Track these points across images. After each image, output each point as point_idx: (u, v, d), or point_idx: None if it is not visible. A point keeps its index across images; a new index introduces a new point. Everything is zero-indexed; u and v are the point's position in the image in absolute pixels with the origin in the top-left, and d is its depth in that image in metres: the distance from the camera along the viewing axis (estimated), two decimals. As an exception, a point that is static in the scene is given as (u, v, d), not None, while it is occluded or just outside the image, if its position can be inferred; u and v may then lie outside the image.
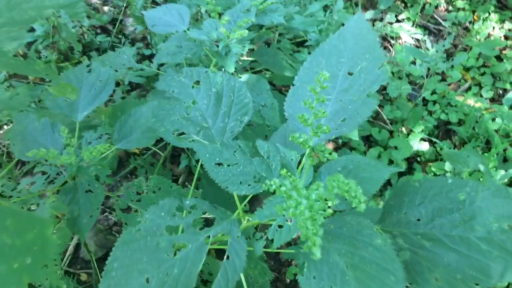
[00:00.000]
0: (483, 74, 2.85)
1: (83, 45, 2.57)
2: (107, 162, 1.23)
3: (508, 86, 2.76)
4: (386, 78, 0.89)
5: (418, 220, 0.86)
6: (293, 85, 1.01)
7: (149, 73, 1.95)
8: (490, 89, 2.76)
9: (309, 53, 1.80)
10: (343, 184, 0.75)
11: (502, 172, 2.26)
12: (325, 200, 0.74)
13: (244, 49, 1.34)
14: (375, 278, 0.74)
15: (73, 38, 2.21)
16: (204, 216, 0.83)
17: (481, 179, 2.30)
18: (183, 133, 1.01)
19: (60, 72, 2.58)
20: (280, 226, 0.81)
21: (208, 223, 0.95)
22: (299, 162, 0.93)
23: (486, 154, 2.40)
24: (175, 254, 0.78)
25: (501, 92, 2.77)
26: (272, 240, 0.80)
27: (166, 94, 1.04)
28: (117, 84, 2.20)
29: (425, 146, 2.39)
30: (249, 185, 0.85)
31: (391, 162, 2.39)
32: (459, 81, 2.80)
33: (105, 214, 1.94)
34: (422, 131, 2.47)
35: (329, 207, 0.74)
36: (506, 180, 2.07)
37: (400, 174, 2.33)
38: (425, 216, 0.86)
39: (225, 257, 0.78)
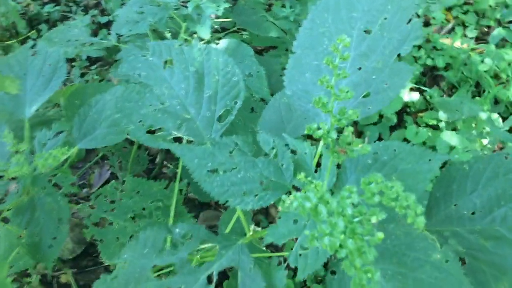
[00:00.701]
0: (466, 12, 2.63)
1: (30, 19, 2.19)
2: (66, 167, 0.97)
3: (492, 23, 2.56)
4: (420, 35, 0.65)
5: (473, 213, 0.66)
6: (292, 52, 0.76)
7: (109, 44, 1.64)
8: (474, 28, 2.55)
9: (291, 7, 1.52)
10: (386, 188, 0.53)
11: (495, 115, 2.11)
12: (365, 214, 0.52)
13: (219, 10, 1.06)
14: (440, 307, 0.55)
15: (13, 13, 1.84)
16: (202, 246, 0.61)
17: (473, 126, 2.14)
18: (160, 129, 0.76)
19: (8, 52, 2.21)
20: (304, 248, 0.59)
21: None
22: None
23: (478, 98, 2.23)
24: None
25: (486, 30, 2.57)
26: (294, 270, 0.59)
27: (131, 79, 0.77)
28: (73, 60, 1.87)
29: (415, 96, 2.19)
30: (255, 195, 0.62)
31: (381, 117, 2.19)
32: (442, 22, 2.59)
33: (80, 204, 1.69)
34: (410, 80, 2.26)
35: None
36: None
37: (392, 129, 2.14)
38: (481, 207, 0.66)
39: (238, 301, 0.57)
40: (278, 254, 0.61)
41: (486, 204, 0.66)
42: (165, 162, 1.78)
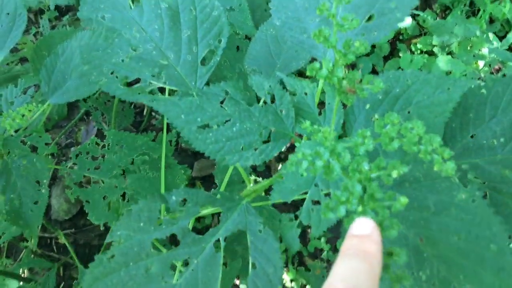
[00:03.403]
0: None
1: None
2: (41, 124, 0.87)
3: None
4: None
5: (493, 142, 0.59)
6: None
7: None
8: None
9: None
10: (405, 130, 0.45)
11: (491, 35, 2.00)
12: (384, 169, 0.44)
13: None
14: (468, 252, 0.49)
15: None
16: (203, 213, 0.53)
17: (469, 48, 2.03)
18: (138, 80, 0.65)
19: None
20: (315, 203, 0.52)
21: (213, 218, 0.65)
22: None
23: (472, 18, 2.11)
24: (176, 279, 0.49)
25: None
26: (307, 226, 0.52)
27: (94, 23, 0.65)
28: (42, 12, 1.67)
29: (408, 21, 2.05)
30: (255, 149, 0.54)
31: (373, 47, 2.07)
32: None
33: (69, 166, 1.60)
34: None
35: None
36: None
37: (386, 59, 2.03)
38: (501, 134, 0.58)
39: (249, 265, 0.50)
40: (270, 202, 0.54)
41: (507, 130, 0.58)
42: (153, 114, 1.67)
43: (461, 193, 0.50)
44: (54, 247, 1.45)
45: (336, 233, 1.43)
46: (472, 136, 0.60)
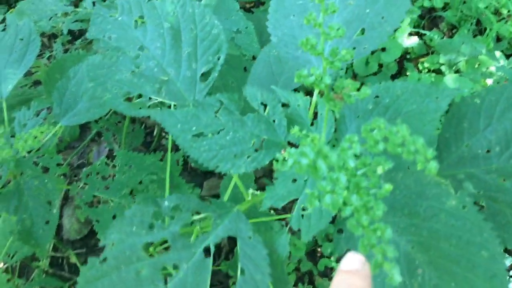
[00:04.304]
0: None
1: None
2: (53, 145, 0.91)
3: (490, -45, 2.40)
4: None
5: (488, 151, 0.59)
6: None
7: (89, 15, 1.53)
8: (471, -38, 2.39)
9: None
10: (390, 133, 0.46)
11: (498, 53, 2.00)
12: (370, 165, 0.46)
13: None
14: (459, 258, 0.49)
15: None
16: (196, 217, 0.55)
17: (476, 66, 2.04)
18: (139, 95, 0.68)
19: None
20: (306, 209, 0.53)
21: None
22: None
23: (479, 37, 2.12)
24: (165, 283, 0.51)
25: (483, -38, 2.41)
26: (297, 231, 0.53)
27: (101, 43, 0.69)
28: (55, 36, 1.77)
29: (415, 40, 2.08)
30: (248, 157, 0.56)
31: (380, 66, 2.09)
32: (437, -41, 2.42)
33: (80, 186, 1.64)
34: (408, 24, 2.14)
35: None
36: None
37: (393, 78, 2.05)
38: (496, 143, 0.59)
39: (238, 271, 0.51)
40: (274, 218, 0.55)
41: (502, 139, 0.58)
42: (163, 134, 1.72)
43: (451, 199, 0.50)
44: (66, 267, 1.47)
45: (346, 252, 1.40)
46: (467, 146, 0.61)
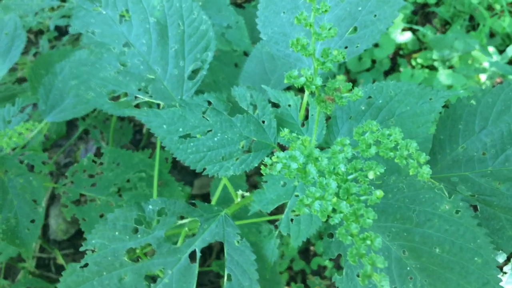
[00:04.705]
0: None
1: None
2: (39, 143, 0.88)
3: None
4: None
5: (483, 154, 0.58)
6: (265, -10, 0.66)
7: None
8: (465, -42, 2.38)
9: None
10: (382, 136, 0.45)
11: (491, 48, 2.00)
12: (361, 170, 0.44)
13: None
14: (452, 264, 0.48)
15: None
16: (181, 221, 0.53)
17: (470, 62, 2.03)
18: (125, 94, 0.66)
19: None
20: (295, 213, 0.52)
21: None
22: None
23: (472, 32, 2.11)
24: (149, 289, 0.49)
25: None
26: (287, 236, 0.51)
27: (85, 38, 0.67)
28: (42, 33, 1.72)
29: (408, 36, 2.07)
30: (236, 159, 0.54)
31: (373, 62, 2.09)
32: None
33: (66, 184, 1.62)
34: (402, 20, 2.12)
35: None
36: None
37: (386, 74, 2.04)
38: (492, 146, 0.58)
39: (224, 277, 0.50)
40: (266, 218, 0.53)
41: (497, 142, 0.57)
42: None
43: (444, 203, 0.49)
44: (53, 268, 1.45)
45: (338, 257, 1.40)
46: (462, 148, 0.59)
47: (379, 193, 0.40)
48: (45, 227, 1.52)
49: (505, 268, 0.86)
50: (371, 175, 0.43)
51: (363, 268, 0.35)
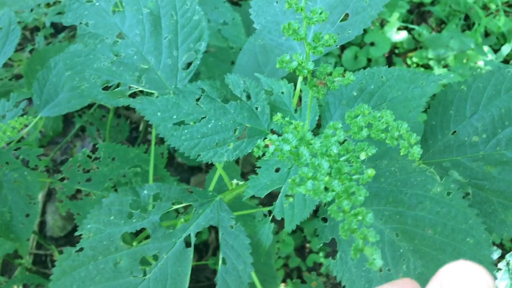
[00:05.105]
0: None
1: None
2: (34, 138, 0.89)
3: (478, -50, 2.41)
4: None
5: (475, 139, 0.59)
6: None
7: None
8: (460, -43, 2.39)
9: None
10: (374, 119, 0.46)
11: (486, 48, 2.01)
12: (353, 151, 0.45)
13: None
14: (444, 246, 0.48)
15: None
16: (176, 206, 0.53)
17: (465, 61, 2.05)
18: (118, 84, 0.66)
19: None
20: (289, 196, 0.52)
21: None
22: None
23: (468, 31, 2.13)
24: (145, 274, 0.49)
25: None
26: (281, 220, 0.52)
27: (78, 30, 0.67)
28: (38, 30, 1.73)
29: (403, 35, 2.08)
30: (230, 145, 0.54)
31: (369, 61, 2.10)
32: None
33: (63, 179, 1.61)
34: (397, 19, 2.14)
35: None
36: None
37: (382, 71, 2.05)
38: (483, 131, 0.58)
39: (219, 261, 0.50)
40: (261, 209, 0.54)
41: (488, 126, 0.58)
42: (149, 129, 1.69)
43: (436, 186, 0.49)
44: (49, 264, 1.44)
45: (334, 247, 1.40)
46: (453, 133, 0.60)
47: (370, 171, 0.41)
48: (42, 224, 1.52)
49: (499, 265, 0.86)
50: (362, 156, 0.44)
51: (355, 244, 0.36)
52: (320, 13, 0.49)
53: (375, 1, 0.55)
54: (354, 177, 0.41)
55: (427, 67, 2.06)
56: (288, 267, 1.49)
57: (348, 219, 0.37)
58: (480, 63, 1.90)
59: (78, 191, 0.90)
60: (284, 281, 1.43)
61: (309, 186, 0.40)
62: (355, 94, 0.56)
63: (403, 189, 0.51)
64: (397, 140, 0.44)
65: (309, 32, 0.59)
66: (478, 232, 0.47)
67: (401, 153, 0.42)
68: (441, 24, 2.32)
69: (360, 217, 0.37)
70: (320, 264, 1.48)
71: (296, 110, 0.58)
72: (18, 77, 1.40)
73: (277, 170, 0.54)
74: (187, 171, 1.59)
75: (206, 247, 1.42)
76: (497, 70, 0.57)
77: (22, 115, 0.87)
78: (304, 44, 0.50)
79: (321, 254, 1.49)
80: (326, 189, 0.41)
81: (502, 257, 0.91)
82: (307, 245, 1.54)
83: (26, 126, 0.85)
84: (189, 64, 0.67)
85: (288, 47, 0.62)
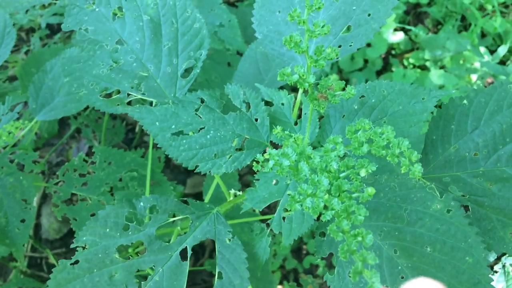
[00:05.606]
0: None
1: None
2: (29, 141, 0.87)
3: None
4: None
5: (475, 154, 0.58)
6: (260, -11, 0.65)
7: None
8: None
9: None
10: (375, 135, 0.45)
11: (483, 49, 2.01)
12: (353, 168, 0.44)
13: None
14: (443, 263, 0.48)
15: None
16: (172, 219, 0.52)
17: (461, 62, 2.05)
18: (118, 91, 0.66)
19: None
20: (287, 211, 0.52)
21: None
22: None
23: (464, 32, 2.13)
24: (140, 287, 0.49)
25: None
26: (278, 235, 0.51)
27: (78, 36, 0.66)
28: (33, 31, 1.70)
29: (400, 36, 2.08)
30: (229, 156, 0.54)
31: (366, 62, 2.09)
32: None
33: (58, 183, 1.60)
34: (394, 20, 2.13)
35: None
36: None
37: (378, 74, 2.05)
38: (484, 147, 0.58)
39: (215, 275, 0.49)
40: (259, 218, 0.53)
41: (489, 142, 0.58)
42: (145, 131, 1.68)
43: (436, 203, 0.49)
44: (45, 267, 1.43)
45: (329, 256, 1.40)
46: (454, 148, 0.60)
47: (370, 190, 0.40)
48: (37, 226, 1.50)
49: (495, 267, 0.87)
50: (363, 173, 0.43)
51: (354, 266, 0.35)
52: (323, 26, 0.49)
53: (378, 14, 0.55)
54: (354, 195, 0.41)
55: (423, 68, 2.06)
56: (285, 269, 1.49)
57: (348, 239, 0.37)
58: (477, 65, 1.90)
59: (74, 195, 0.89)
60: (280, 283, 1.43)
61: (308, 203, 0.40)
62: (356, 107, 0.55)
63: (402, 205, 0.50)
64: (398, 158, 0.44)
65: (311, 44, 0.59)
66: (478, 251, 0.47)
67: (402, 171, 0.42)
68: (438, 25, 2.32)
69: (359, 238, 0.37)
70: (317, 266, 1.48)
71: (296, 122, 0.57)
72: (12, 78, 1.38)
73: (275, 183, 0.53)
74: (183, 173, 1.58)
75: (202, 249, 1.42)
76: (499, 85, 0.56)
77: (17, 119, 0.86)
78: (306, 57, 0.49)
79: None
80: (325, 207, 0.40)
81: (498, 259, 0.91)
82: (304, 246, 1.54)
83: (21, 129, 0.84)
84: (188, 71, 0.66)
85: (290, 57, 0.61)
